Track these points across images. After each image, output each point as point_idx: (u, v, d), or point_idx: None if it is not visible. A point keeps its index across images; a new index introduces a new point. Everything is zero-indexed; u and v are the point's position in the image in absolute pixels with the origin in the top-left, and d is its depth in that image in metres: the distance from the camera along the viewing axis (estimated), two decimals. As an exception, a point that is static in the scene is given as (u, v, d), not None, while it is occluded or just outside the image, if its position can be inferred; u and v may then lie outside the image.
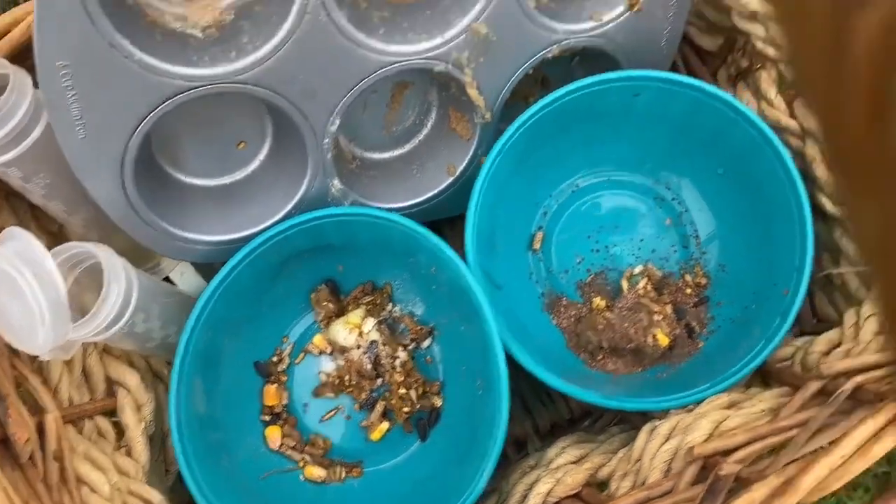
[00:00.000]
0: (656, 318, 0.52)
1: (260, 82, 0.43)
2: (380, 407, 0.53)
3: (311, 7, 0.41)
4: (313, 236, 0.49)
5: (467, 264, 0.47)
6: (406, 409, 0.52)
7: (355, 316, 0.53)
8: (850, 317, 0.47)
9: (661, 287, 0.54)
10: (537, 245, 0.56)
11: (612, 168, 0.57)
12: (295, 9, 0.41)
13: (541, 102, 0.47)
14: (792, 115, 0.51)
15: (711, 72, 0.58)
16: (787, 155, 0.47)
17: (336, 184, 0.49)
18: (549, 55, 0.49)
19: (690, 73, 0.59)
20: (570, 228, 0.56)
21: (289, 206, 0.48)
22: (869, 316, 0.46)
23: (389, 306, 0.55)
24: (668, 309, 0.53)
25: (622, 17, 0.49)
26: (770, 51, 0.51)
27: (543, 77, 0.56)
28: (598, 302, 0.54)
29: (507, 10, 0.46)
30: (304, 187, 0.48)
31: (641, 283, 0.53)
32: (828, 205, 0.50)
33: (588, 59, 0.53)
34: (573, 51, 0.50)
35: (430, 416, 0.52)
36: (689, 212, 0.56)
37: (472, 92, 0.48)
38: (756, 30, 0.51)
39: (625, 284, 0.54)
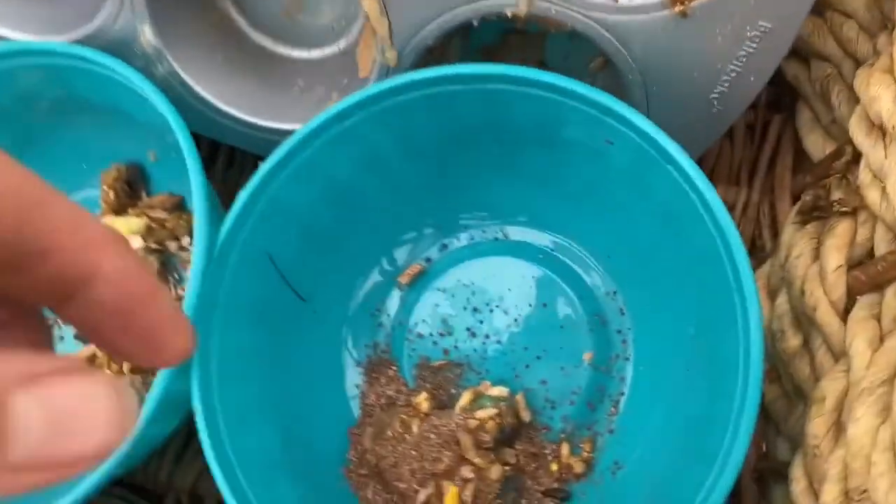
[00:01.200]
0: (464, 471, 0.32)
1: None
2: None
3: None
4: (96, 85, 0.34)
5: (222, 234, 0.31)
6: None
7: (124, 223, 0.38)
8: None
9: (515, 434, 0.34)
10: (406, 279, 0.37)
11: (567, 236, 0.36)
12: None
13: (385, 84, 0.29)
14: (843, 315, 0.28)
15: (796, 189, 0.35)
16: (758, 355, 0.25)
17: (147, 32, 0.33)
18: (508, 13, 0.30)
19: (769, 178, 0.37)
20: (457, 284, 0.37)
21: (72, 34, 0.34)
22: None
23: (186, 240, 0.39)
24: (497, 471, 0.33)
25: (649, 15, 0.28)
26: (872, 195, 0.28)
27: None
28: (422, 400, 0.35)
29: None
30: (100, 17, 0.33)
31: (486, 413, 0.34)
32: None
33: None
34: (557, 28, 0.30)
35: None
36: (629, 361, 0.35)
37: (369, 2, 0.30)
38: (874, 152, 0.28)
39: (465, 399, 0.35)
